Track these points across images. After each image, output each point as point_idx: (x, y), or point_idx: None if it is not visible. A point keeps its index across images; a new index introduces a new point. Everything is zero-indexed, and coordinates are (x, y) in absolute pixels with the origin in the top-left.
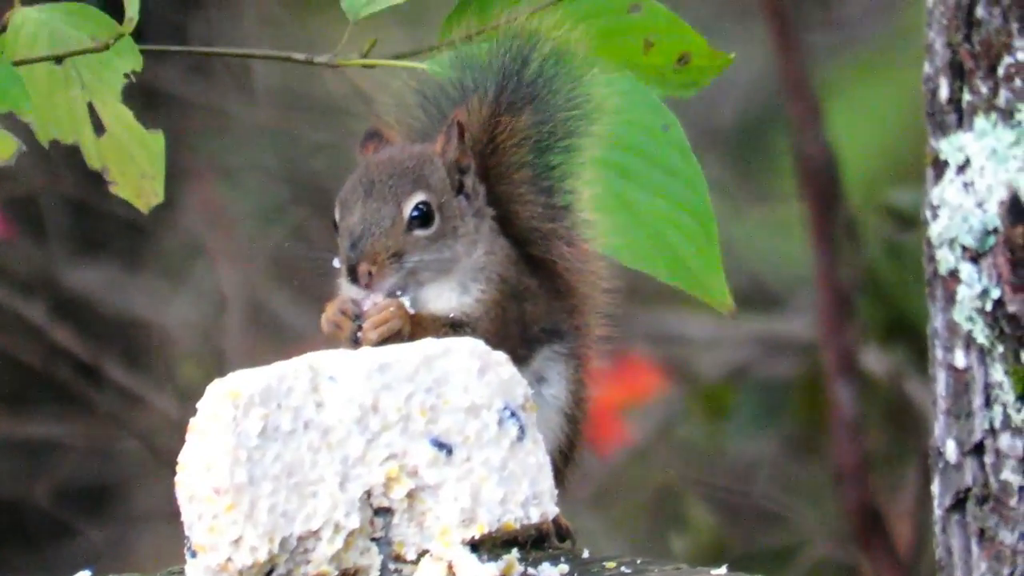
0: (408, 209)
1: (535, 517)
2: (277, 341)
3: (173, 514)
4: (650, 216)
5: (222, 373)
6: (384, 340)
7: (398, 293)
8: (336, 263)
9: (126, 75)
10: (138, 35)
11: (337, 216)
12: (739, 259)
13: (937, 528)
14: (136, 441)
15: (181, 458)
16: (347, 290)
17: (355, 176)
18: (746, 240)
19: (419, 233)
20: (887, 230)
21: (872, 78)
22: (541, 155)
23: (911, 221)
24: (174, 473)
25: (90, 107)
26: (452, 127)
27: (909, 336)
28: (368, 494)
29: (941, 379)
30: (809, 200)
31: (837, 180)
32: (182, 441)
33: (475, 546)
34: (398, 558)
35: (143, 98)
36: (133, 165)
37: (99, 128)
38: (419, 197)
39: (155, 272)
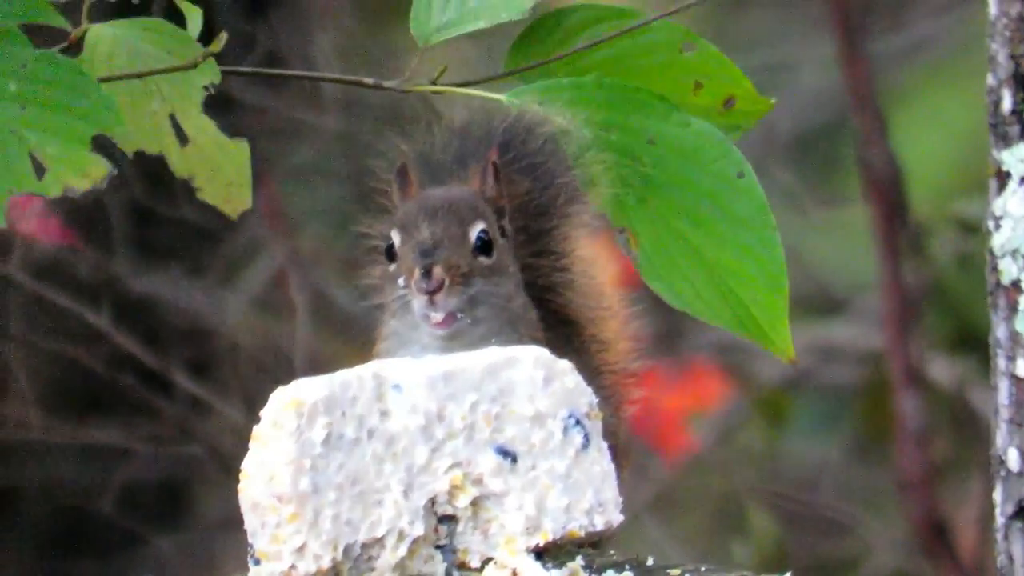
0: (474, 233)
1: (600, 525)
2: (343, 347)
3: (238, 521)
4: (719, 266)
5: (287, 380)
6: None
7: (458, 316)
8: (401, 282)
9: (205, 87)
10: (206, 44)
11: (397, 239)
12: (803, 264)
13: (999, 536)
14: (202, 448)
15: (244, 466)
16: (399, 321)
17: (412, 205)
18: (810, 245)
19: (483, 259)
20: (954, 240)
21: (939, 87)
22: (537, 220)
23: (977, 231)
24: (239, 481)
25: (172, 119)
26: (488, 168)
27: (975, 346)
28: (432, 502)
29: (1003, 388)
30: (875, 208)
31: (903, 190)
32: (247, 448)
33: (540, 554)
34: (462, 566)
35: (211, 100)
36: (219, 173)
37: (182, 139)
38: (481, 224)
39: (221, 278)
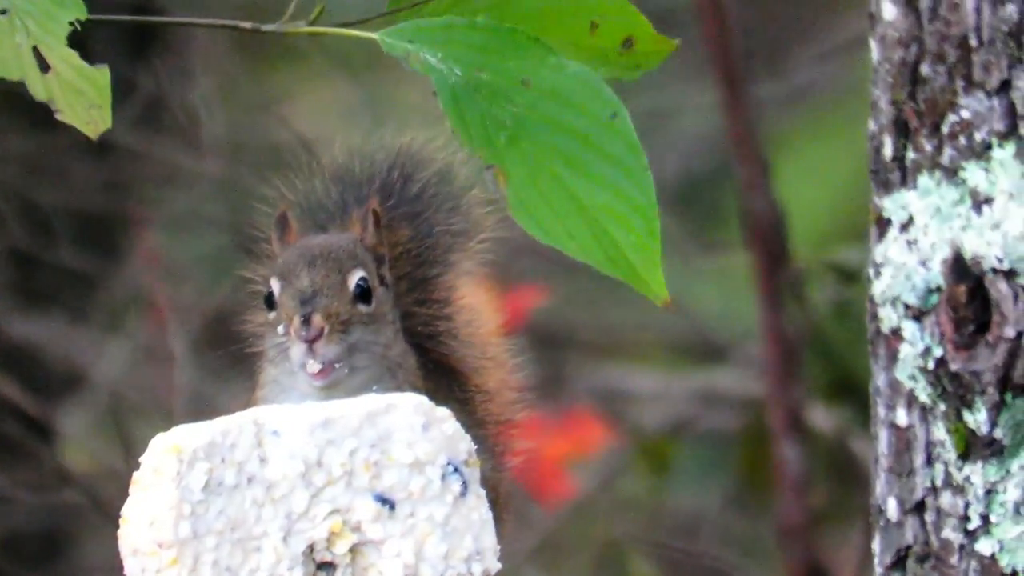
0: (353, 281)
1: (478, 573)
2: (223, 394)
3: (118, 568)
4: (592, 206)
5: (167, 426)
6: None
7: (336, 366)
8: (280, 329)
9: (71, 23)
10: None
11: (276, 288)
12: (686, 311)
13: None
14: (82, 495)
15: (124, 511)
16: (274, 369)
17: (292, 252)
18: (692, 292)
19: (362, 308)
20: (834, 287)
21: (820, 134)
22: (419, 268)
23: (858, 278)
24: (119, 526)
25: (35, 50)
26: (368, 215)
27: (855, 394)
28: (311, 548)
29: (883, 437)
30: (756, 256)
31: (784, 237)
32: (127, 494)
33: None
34: None
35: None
36: (81, 97)
37: (44, 68)
38: (360, 272)
39: (101, 324)
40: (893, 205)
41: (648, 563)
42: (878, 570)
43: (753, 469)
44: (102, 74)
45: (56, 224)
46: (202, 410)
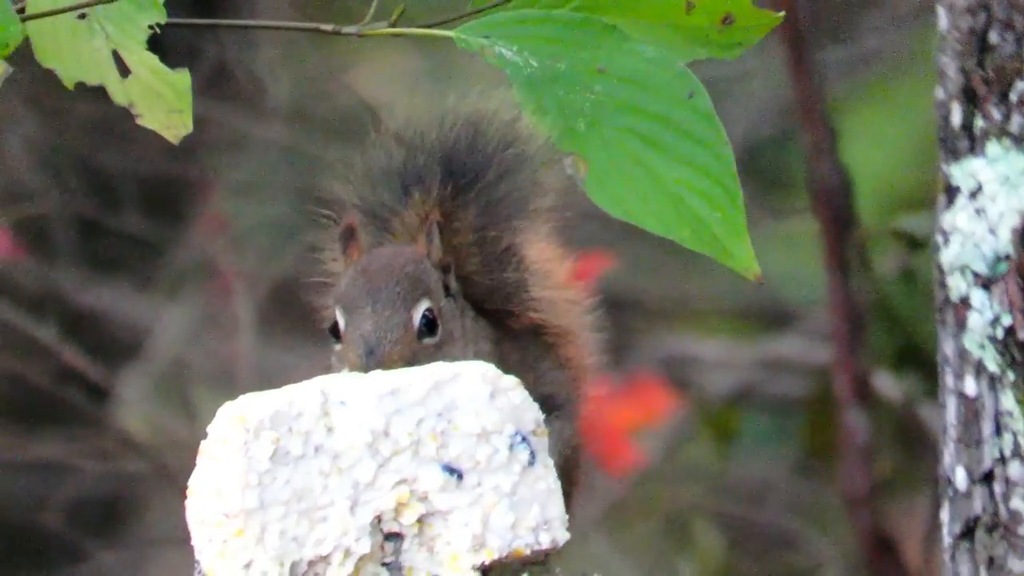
0: (417, 317)
1: (546, 543)
2: (288, 363)
3: (184, 538)
4: (674, 184)
5: (233, 393)
6: None
7: None
8: (335, 364)
9: (150, 26)
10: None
11: (341, 322)
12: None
13: (946, 556)
14: (147, 463)
15: (191, 482)
16: None
17: (356, 281)
18: (759, 258)
19: (427, 341)
20: (899, 254)
21: (887, 101)
22: (489, 242)
23: (924, 246)
24: (185, 496)
25: (114, 54)
26: (432, 228)
27: (921, 362)
28: (379, 519)
29: (951, 407)
30: (822, 222)
31: (850, 203)
32: (193, 463)
33: (485, 571)
34: None
35: None
36: (160, 100)
37: (124, 71)
38: (425, 304)
39: (165, 291)
40: (961, 173)
41: (713, 531)
42: (946, 540)
43: (818, 437)
44: (181, 78)
45: (121, 190)
46: (265, 378)
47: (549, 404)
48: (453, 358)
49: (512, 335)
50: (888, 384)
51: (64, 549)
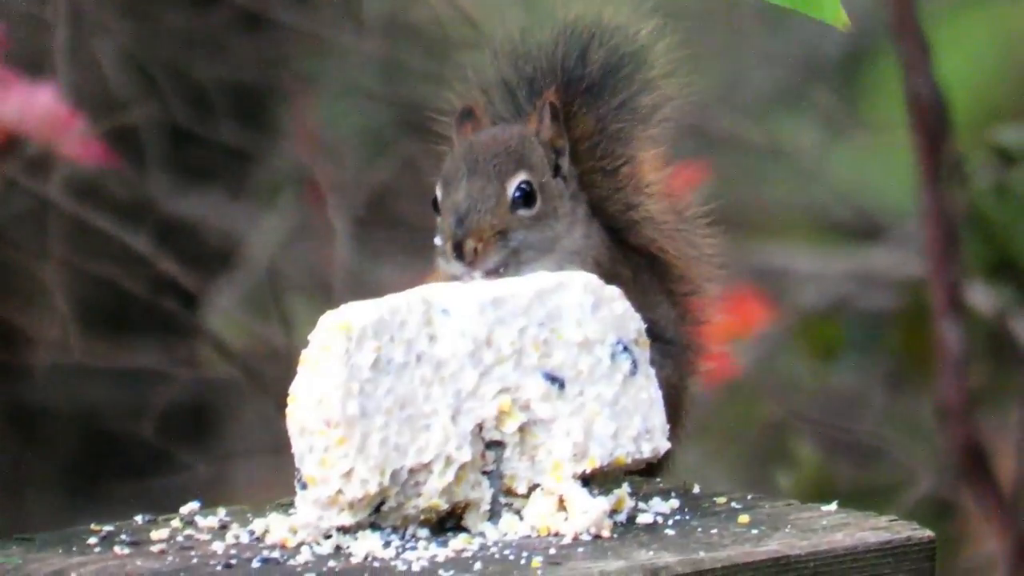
0: (512, 188)
1: (647, 452)
2: (383, 273)
3: (277, 446)
4: None
5: (327, 303)
6: None
7: (500, 271)
8: (438, 241)
9: None
10: None
11: (439, 194)
12: (844, 189)
13: None
14: (241, 372)
15: (292, 390)
16: (447, 268)
17: (457, 155)
18: (852, 170)
19: (522, 213)
20: (994, 167)
21: (981, 14)
22: (606, 157)
23: (1018, 158)
24: (278, 404)
25: None
26: (545, 108)
27: (1014, 275)
28: (480, 427)
29: None
30: (917, 135)
31: (945, 116)
32: (288, 372)
33: (586, 480)
34: (509, 492)
35: (247, 22)
36: None
37: None
38: (522, 176)
39: (259, 200)
40: None
41: (808, 442)
42: None
43: (912, 349)
44: None
45: (214, 100)
46: (360, 287)
47: (654, 332)
48: (555, 235)
49: (629, 254)
50: (981, 296)
51: (157, 457)
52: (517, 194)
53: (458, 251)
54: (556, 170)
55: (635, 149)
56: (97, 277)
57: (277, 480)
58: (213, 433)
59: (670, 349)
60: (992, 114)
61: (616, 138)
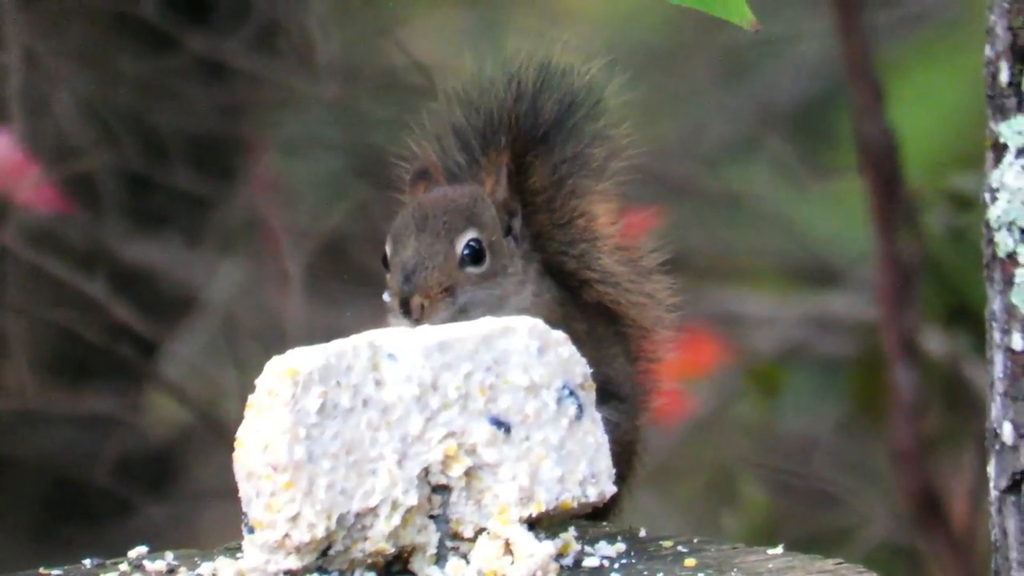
0: (460, 246)
1: (593, 496)
2: (338, 318)
3: (233, 491)
4: None
5: (282, 349)
6: None
7: None
8: (386, 297)
9: None
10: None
11: (389, 251)
12: (799, 235)
13: (993, 509)
14: (197, 418)
15: (239, 434)
16: (396, 324)
17: (407, 213)
18: (806, 216)
19: (471, 270)
20: (948, 213)
21: (934, 60)
22: (558, 208)
23: (972, 204)
24: (232, 447)
25: None
26: (501, 169)
27: (969, 320)
28: (426, 472)
29: (998, 361)
30: (870, 180)
31: (898, 162)
32: (243, 417)
33: (532, 524)
34: (456, 536)
35: (205, 69)
36: None
37: None
38: (471, 234)
39: (215, 247)
40: (1009, 131)
41: (759, 486)
42: (993, 493)
43: (866, 394)
44: None
45: (170, 147)
46: (316, 334)
47: (609, 390)
48: (504, 293)
49: (583, 307)
50: (936, 341)
51: (113, 503)
52: (466, 251)
53: (405, 307)
54: (508, 230)
55: (589, 202)
56: (54, 324)
57: (232, 525)
58: (170, 478)
59: (625, 407)
60: (948, 162)
61: (570, 191)
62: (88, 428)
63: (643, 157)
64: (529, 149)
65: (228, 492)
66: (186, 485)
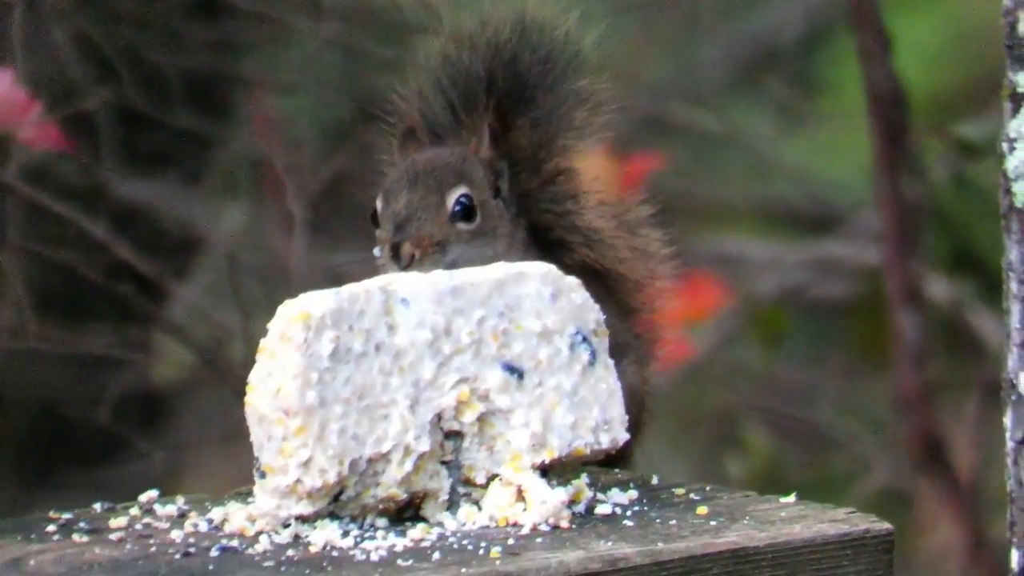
0: (452, 200)
1: (605, 443)
2: (341, 260)
3: (233, 435)
4: None
5: (285, 290)
6: None
7: None
8: (376, 252)
9: None
10: None
11: (379, 206)
12: (802, 179)
13: (1009, 460)
14: (198, 359)
15: (251, 379)
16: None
17: (398, 170)
18: (808, 159)
19: (462, 226)
20: (952, 159)
21: (940, 7)
22: (541, 150)
23: (976, 151)
24: (235, 390)
25: None
26: (483, 130)
27: (973, 267)
28: (439, 417)
29: (1016, 312)
30: (875, 125)
31: (903, 106)
32: (245, 359)
33: (545, 471)
34: (468, 482)
35: (205, 8)
36: None
37: None
38: (462, 190)
39: (216, 186)
40: None
41: (761, 430)
42: (1009, 444)
43: (869, 339)
44: None
45: (171, 86)
46: (317, 275)
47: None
48: (495, 253)
49: (569, 270)
50: (939, 288)
51: (113, 444)
52: (457, 207)
53: (395, 252)
54: (496, 192)
55: (572, 158)
56: (54, 262)
57: (233, 469)
58: (170, 421)
59: (633, 355)
60: (949, 107)
61: (553, 148)
62: (89, 368)
63: (639, 99)
64: (511, 108)
65: (230, 436)
66: (187, 428)
